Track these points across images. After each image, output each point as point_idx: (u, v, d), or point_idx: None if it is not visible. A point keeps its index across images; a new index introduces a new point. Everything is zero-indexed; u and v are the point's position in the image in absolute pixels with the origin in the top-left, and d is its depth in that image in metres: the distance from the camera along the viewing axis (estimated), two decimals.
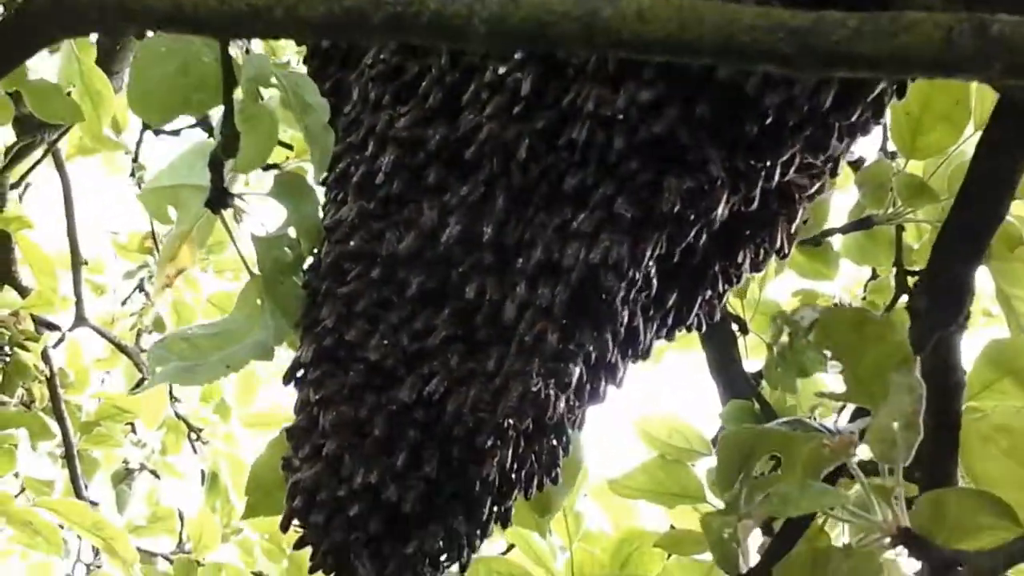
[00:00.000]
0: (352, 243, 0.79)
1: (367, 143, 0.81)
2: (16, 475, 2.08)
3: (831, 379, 1.18)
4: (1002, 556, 0.62)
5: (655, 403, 1.41)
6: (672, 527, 1.21)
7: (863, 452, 0.73)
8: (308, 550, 0.78)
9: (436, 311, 0.76)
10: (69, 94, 1.22)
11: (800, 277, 1.29)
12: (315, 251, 0.83)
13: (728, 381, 1.18)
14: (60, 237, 2.16)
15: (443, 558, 0.79)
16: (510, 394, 0.72)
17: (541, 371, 0.72)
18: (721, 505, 0.73)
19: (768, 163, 0.75)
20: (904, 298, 1.15)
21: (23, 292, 2.05)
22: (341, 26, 0.57)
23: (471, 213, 0.75)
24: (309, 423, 0.78)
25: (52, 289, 1.99)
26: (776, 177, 0.76)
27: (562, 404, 0.75)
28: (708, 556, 1.07)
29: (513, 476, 0.77)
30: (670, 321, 0.84)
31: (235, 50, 0.77)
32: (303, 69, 0.92)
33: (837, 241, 1.24)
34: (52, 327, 2.14)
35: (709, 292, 0.84)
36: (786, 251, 0.85)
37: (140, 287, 2.67)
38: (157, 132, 1.97)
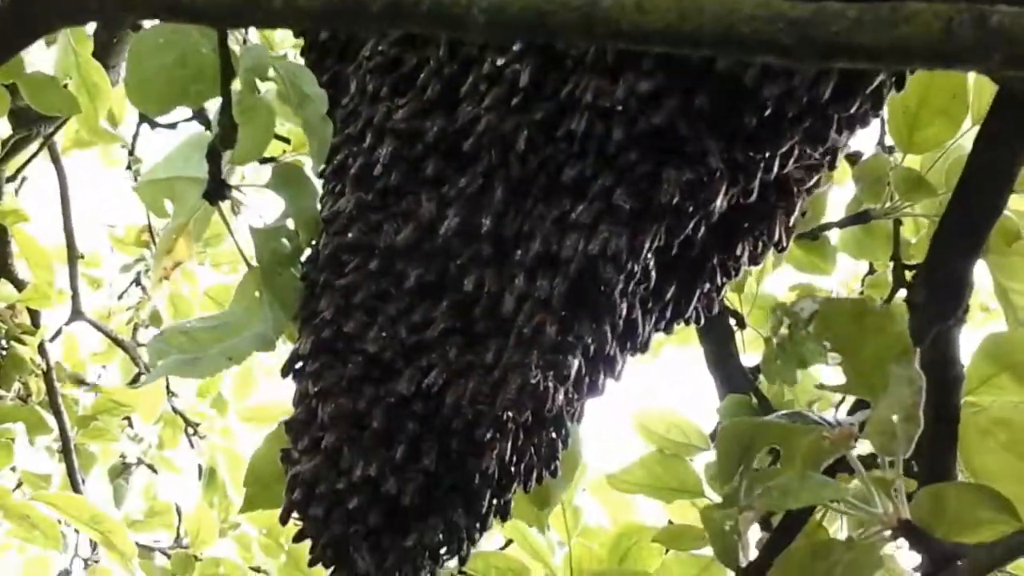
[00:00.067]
0: (350, 235, 0.79)
1: (365, 135, 0.80)
2: (13, 469, 2.07)
3: (828, 373, 1.18)
4: (1001, 549, 0.62)
5: (653, 398, 1.41)
6: (670, 522, 1.21)
7: (861, 448, 0.73)
8: (307, 543, 0.78)
9: (434, 303, 0.76)
10: (66, 86, 1.22)
11: (797, 271, 1.29)
12: (313, 243, 0.83)
13: (726, 376, 1.18)
14: (56, 231, 2.15)
15: (443, 551, 0.79)
16: (509, 386, 0.72)
17: (540, 363, 0.72)
18: (719, 500, 0.72)
19: (767, 155, 0.75)
20: (902, 292, 1.15)
21: (19, 286, 2.05)
22: (339, 15, 0.57)
23: (469, 205, 0.75)
24: (308, 415, 0.78)
25: (48, 283, 1.99)
26: (775, 169, 0.76)
27: (561, 396, 0.75)
28: (706, 551, 1.07)
29: (512, 469, 0.77)
30: (668, 314, 0.84)
31: (233, 43, 0.77)
32: (301, 62, 0.92)
33: (834, 235, 1.24)
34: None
35: (707, 285, 0.84)
36: (784, 244, 0.85)
37: (137, 281, 2.66)
38: (153, 125, 1.97)
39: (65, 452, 2.11)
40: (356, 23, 0.57)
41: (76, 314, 2.21)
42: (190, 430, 2.60)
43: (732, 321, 1.22)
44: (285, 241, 0.83)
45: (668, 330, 0.86)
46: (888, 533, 0.66)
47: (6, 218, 1.97)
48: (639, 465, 1.15)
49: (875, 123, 0.93)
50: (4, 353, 2.02)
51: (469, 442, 0.74)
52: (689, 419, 1.19)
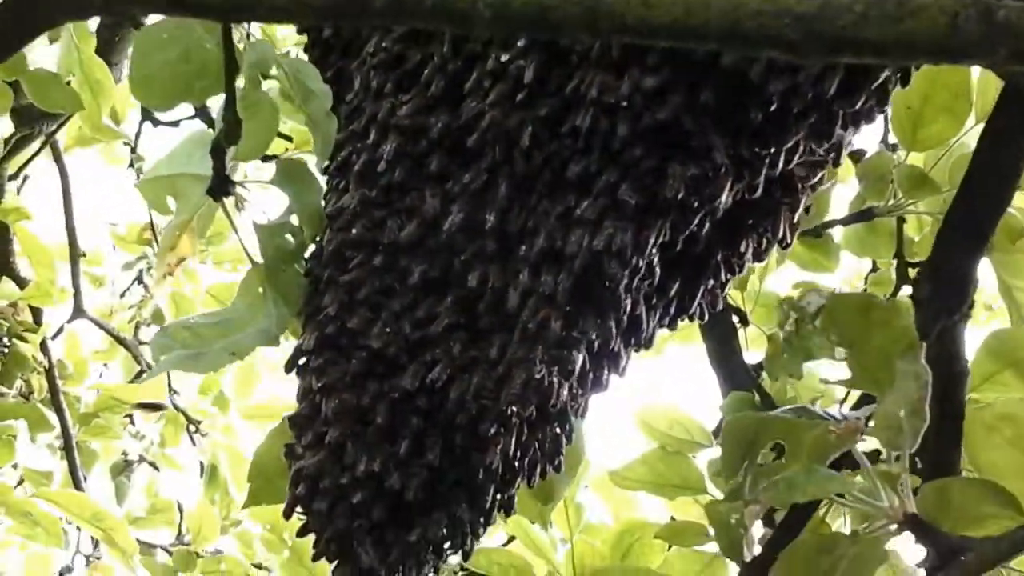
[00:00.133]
0: (354, 231, 0.79)
1: (369, 131, 0.80)
2: (15, 466, 2.07)
3: (832, 370, 1.17)
4: (1007, 544, 0.62)
5: (656, 394, 1.41)
6: (673, 518, 1.21)
7: (864, 445, 0.73)
8: (311, 538, 0.78)
9: (438, 299, 0.76)
10: (69, 83, 1.22)
11: (800, 269, 1.29)
12: (317, 239, 0.83)
13: (728, 373, 1.18)
14: (58, 229, 2.15)
15: (446, 546, 0.79)
16: (513, 381, 0.72)
17: (544, 358, 0.72)
18: (721, 497, 0.72)
19: (772, 150, 0.75)
20: (905, 290, 1.15)
21: (21, 283, 2.05)
22: (344, 10, 0.57)
23: (473, 201, 0.75)
24: (312, 411, 0.78)
25: (50, 280, 1.99)
26: (780, 164, 0.76)
27: (565, 392, 0.75)
28: (708, 547, 1.07)
29: (516, 464, 0.77)
30: (672, 310, 0.84)
31: (236, 39, 0.77)
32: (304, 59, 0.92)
33: (838, 233, 1.24)
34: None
35: (711, 281, 0.84)
36: (788, 240, 0.85)
37: (138, 279, 2.66)
38: (156, 123, 1.97)
39: (67, 449, 2.11)
40: (360, 18, 0.58)
41: (78, 312, 2.21)
42: (192, 428, 2.60)
43: (735, 319, 1.22)
44: (289, 237, 0.83)
45: (672, 326, 0.86)
46: (894, 527, 0.66)
47: (8, 216, 1.97)
48: (641, 462, 1.15)
49: (879, 121, 0.93)
50: (6, 351, 2.02)
51: (473, 437, 0.74)
52: (692, 416, 1.19)
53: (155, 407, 2.33)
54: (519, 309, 0.73)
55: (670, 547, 1.16)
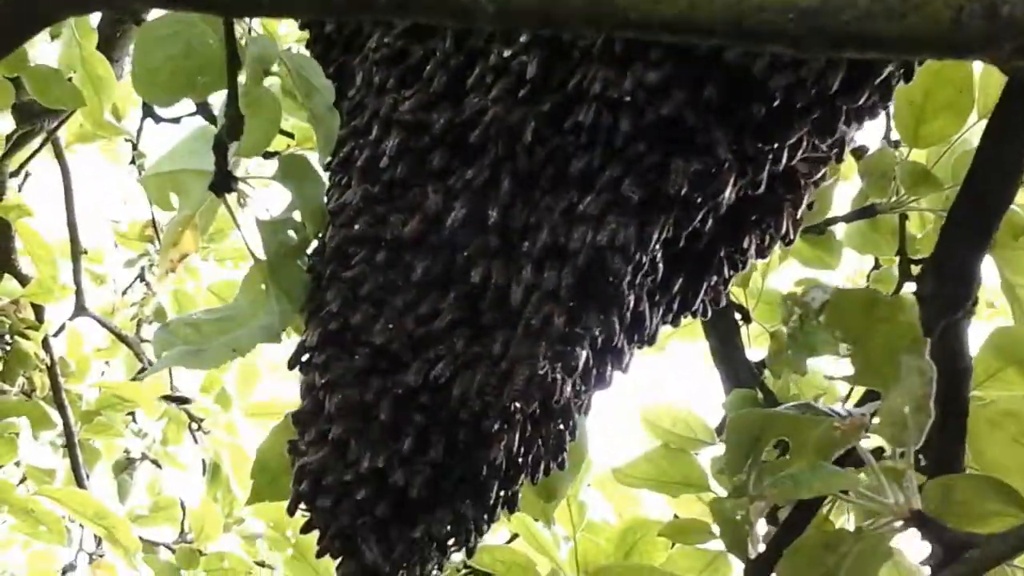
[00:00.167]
0: (356, 227, 0.78)
1: (371, 127, 0.80)
2: (17, 464, 2.07)
3: (836, 366, 1.17)
4: (1014, 539, 0.62)
5: (659, 392, 1.40)
6: (676, 516, 1.21)
7: (868, 442, 0.72)
8: (315, 535, 0.78)
9: (441, 295, 0.75)
10: (70, 79, 1.22)
11: (803, 266, 1.29)
12: (319, 235, 0.83)
13: (731, 370, 1.18)
14: (60, 226, 2.16)
15: (450, 542, 0.79)
16: (516, 378, 0.72)
17: (548, 354, 0.72)
18: (725, 494, 0.72)
19: (776, 146, 0.74)
20: (908, 287, 1.14)
21: (23, 281, 2.05)
22: (347, 5, 0.57)
23: (476, 197, 0.75)
24: (315, 407, 0.78)
25: (52, 278, 1.99)
26: (783, 160, 0.76)
27: (568, 388, 0.74)
28: (712, 545, 1.07)
29: (520, 460, 0.77)
30: (675, 306, 0.84)
31: (239, 35, 0.77)
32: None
33: (840, 230, 1.24)
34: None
35: (715, 277, 0.84)
36: (791, 237, 0.85)
37: (140, 276, 2.66)
38: (157, 120, 1.97)
39: (69, 447, 2.11)
40: (364, 13, 0.58)
41: (80, 309, 2.21)
42: (194, 426, 2.60)
43: (738, 316, 1.21)
44: (291, 233, 0.82)
45: (675, 323, 0.86)
46: (899, 524, 0.66)
47: (10, 213, 1.97)
48: (645, 460, 1.15)
49: (881, 117, 0.92)
50: (8, 348, 2.02)
51: (477, 433, 0.74)
52: (695, 414, 1.19)
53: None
54: (522, 305, 0.73)
55: (673, 545, 1.16)
